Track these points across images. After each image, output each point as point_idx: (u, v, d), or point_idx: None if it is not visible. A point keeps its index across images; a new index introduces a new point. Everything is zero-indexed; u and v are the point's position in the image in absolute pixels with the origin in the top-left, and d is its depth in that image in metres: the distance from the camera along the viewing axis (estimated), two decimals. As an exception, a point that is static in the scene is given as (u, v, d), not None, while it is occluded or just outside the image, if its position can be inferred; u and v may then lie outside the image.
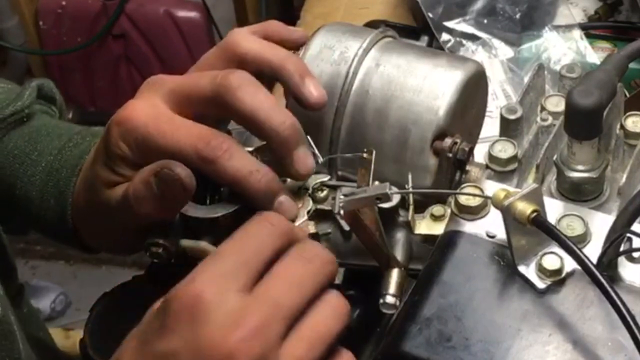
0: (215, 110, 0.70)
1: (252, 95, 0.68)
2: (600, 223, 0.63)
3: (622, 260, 0.61)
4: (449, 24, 1.21)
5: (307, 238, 0.62)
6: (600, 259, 0.60)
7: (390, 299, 0.67)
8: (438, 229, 0.68)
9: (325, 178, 0.72)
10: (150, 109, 0.71)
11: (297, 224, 0.69)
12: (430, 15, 1.20)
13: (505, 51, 1.20)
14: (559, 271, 0.61)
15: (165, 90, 0.72)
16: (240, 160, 0.68)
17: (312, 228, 0.70)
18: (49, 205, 0.83)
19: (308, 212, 0.70)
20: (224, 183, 0.69)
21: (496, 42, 1.20)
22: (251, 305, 0.56)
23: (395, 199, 0.68)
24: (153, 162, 0.69)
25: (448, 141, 0.71)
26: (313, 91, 0.70)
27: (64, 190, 0.82)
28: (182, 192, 0.67)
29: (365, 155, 0.67)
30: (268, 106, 0.68)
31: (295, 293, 0.58)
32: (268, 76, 0.73)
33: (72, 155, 0.84)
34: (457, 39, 1.20)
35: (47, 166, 0.84)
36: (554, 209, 0.64)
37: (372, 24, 1.15)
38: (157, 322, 0.58)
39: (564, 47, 1.18)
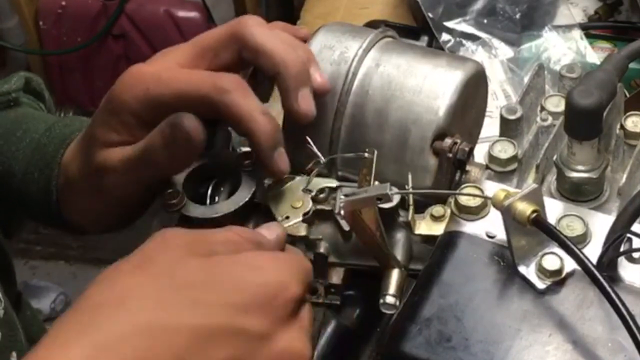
0: (231, 52, 0.71)
1: (267, 32, 0.71)
2: (600, 223, 0.63)
3: (622, 261, 0.61)
4: (449, 24, 1.21)
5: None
6: (600, 259, 0.60)
7: (390, 299, 0.67)
8: (438, 229, 0.68)
9: (333, 184, 0.71)
10: (161, 65, 0.72)
11: (289, 223, 0.69)
12: (430, 15, 1.20)
13: (505, 51, 1.20)
14: (559, 271, 0.61)
15: (177, 53, 0.73)
16: (254, 100, 0.69)
17: (303, 231, 0.69)
18: (32, 178, 0.82)
19: (305, 213, 0.70)
20: (233, 119, 0.69)
21: (496, 42, 1.20)
22: (299, 332, 0.59)
23: (395, 199, 0.68)
24: (158, 115, 0.70)
25: (448, 141, 0.71)
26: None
27: (50, 162, 0.81)
28: (188, 143, 0.68)
29: (366, 155, 0.67)
30: (282, 44, 0.70)
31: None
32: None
33: (61, 133, 0.83)
34: (457, 39, 1.20)
35: (33, 142, 0.83)
36: (554, 209, 0.64)
37: (372, 24, 1.15)
38: (237, 294, 0.57)
39: (564, 47, 1.18)
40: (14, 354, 0.79)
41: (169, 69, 0.71)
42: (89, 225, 0.83)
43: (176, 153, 0.69)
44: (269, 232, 0.65)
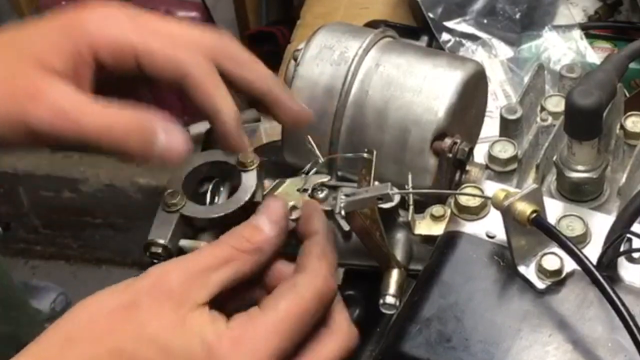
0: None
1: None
2: (600, 223, 0.63)
3: (621, 261, 0.61)
4: (449, 24, 1.21)
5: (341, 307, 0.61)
6: (600, 259, 0.60)
7: (390, 299, 0.67)
8: (438, 229, 0.68)
9: (325, 178, 0.71)
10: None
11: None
12: (430, 15, 1.20)
13: (505, 51, 1.20)
14: (558, 271, 0.61)
15: None
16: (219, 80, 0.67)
17: None
18: None
19: None
20: (198, 97, 0.67)
21: (496, 42, 1.20)
22: None
23: (396, 199, 0.68)
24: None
25: (448, 141, 0.71)
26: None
27: None
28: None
29: (366, 155, 0.67)
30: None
31: None
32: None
33: None
34: (457, 39, 1.20)
35: None
36: (554, 209, 0.64)
37: (372, 24, 1.15)
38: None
39: (564, 47, 1.19)
40: None
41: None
42: None
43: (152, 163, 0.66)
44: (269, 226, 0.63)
